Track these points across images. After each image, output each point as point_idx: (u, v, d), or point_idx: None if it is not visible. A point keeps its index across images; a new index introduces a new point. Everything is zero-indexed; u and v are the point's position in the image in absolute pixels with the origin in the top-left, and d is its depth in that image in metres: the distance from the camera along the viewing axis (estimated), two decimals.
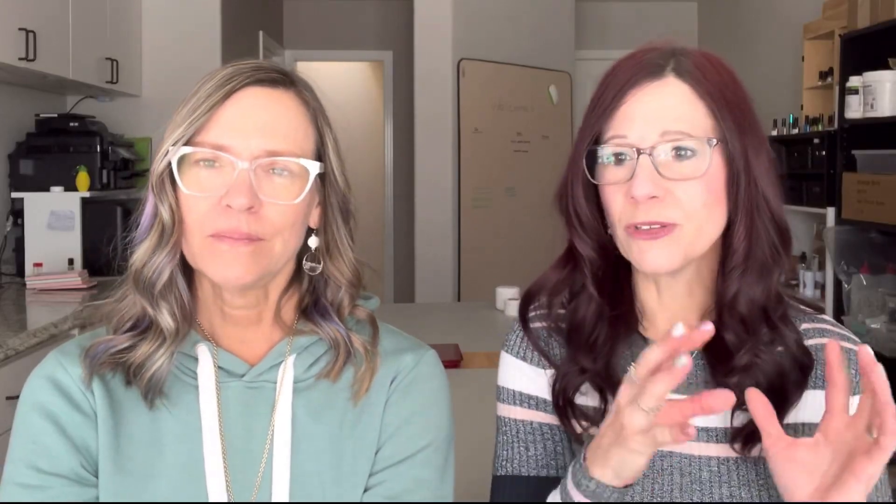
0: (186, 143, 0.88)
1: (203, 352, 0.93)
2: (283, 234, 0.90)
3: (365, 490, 0.93)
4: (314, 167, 0.92)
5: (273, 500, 0.90)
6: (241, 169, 0.87)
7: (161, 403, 0.91)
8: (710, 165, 0.90)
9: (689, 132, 0.90)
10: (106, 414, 0.91)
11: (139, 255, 0.90)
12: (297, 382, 0.94)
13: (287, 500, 0.90)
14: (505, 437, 1.03)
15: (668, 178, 0.90)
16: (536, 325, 1.04)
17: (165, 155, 0.89)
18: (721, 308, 0.95)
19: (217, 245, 0.88)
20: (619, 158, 0.92)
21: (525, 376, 1.03)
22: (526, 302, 1.05)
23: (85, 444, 0.90)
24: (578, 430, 0.98)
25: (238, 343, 0.95)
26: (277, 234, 0.89)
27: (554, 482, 0.98)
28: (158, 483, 0.89)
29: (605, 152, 0.93)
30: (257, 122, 0.89)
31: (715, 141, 0.91)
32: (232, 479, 0.90)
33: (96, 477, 0.91)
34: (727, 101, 0.93)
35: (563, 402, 0.98)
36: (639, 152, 0.90)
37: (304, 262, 0.95)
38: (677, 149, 0.90)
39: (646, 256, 0.91)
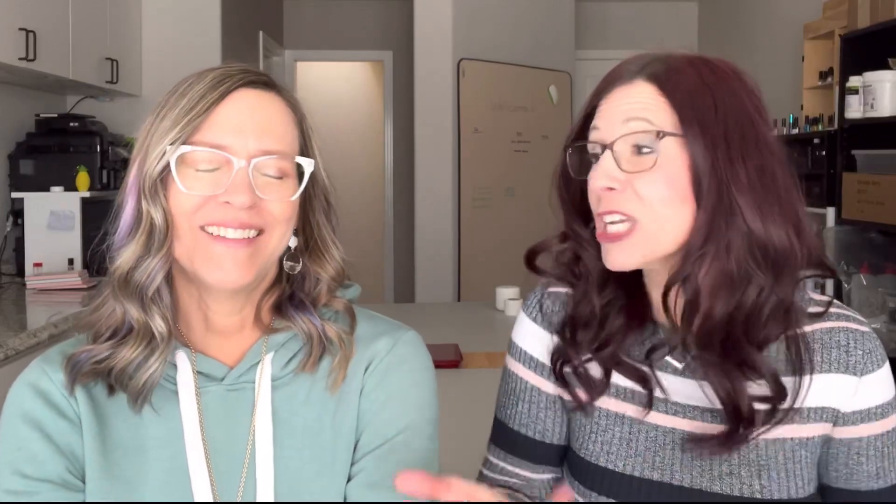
0: (183, 143, 0.88)
1: (182, 358, 0.93)
2: (281, 226, 0.91)
3: (348, 480, 0.93)
4: (309, 165, 0.93)
5: (258, 499, 0.90)
6: (239, 168, 0.88)
7: (144, 409, 0.92)
8: (659, 157, 0.91)
9: (651, 120, 0.92)
10: (90, 420, 0.92)
11: (125, 259, 0.89)
12: (276, 380, 0.94)
13: (272, 497, 0.90)
14: (506, 387, 1.11)
15: (626, 171, 0.92)
16: (558, 288, 1.08)
17: (162, 156, 0.88)
18: (712, 319, 0.93)
19: (212, 246, 0.88)
20: (595, 156, 0.96)
21: (533, 338, 1.08)
22: (531, 255, 1.08)
23: (70, 449, 0.91)
24: (579, 393, 1.02)
25: (217, 346, 0.96)
26: (277, 225, 0.91)
27: (530, 442, 1.07)
28: (145, 488, 0.90)
29: (584, 150, 0.98)
30: (253, 122, 0.90)
31: (663, 133, 0.91)
32: (217, 481, 0.91)
33: (82, 482, 0.91)
34: (696, 101, 0.92)
35: (561, 367, 1.04)
36: (603, 148, 0.94)
37: (284, 261, 0.96)
38: (636, 143, 0.92)
39: (608, 256, 0.95)
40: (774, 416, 0.94)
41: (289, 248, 0.95)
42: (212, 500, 0.90)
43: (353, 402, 0.95)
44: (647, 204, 0.91)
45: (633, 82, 0.95)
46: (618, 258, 0.94)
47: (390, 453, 0.93)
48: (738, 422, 0.93)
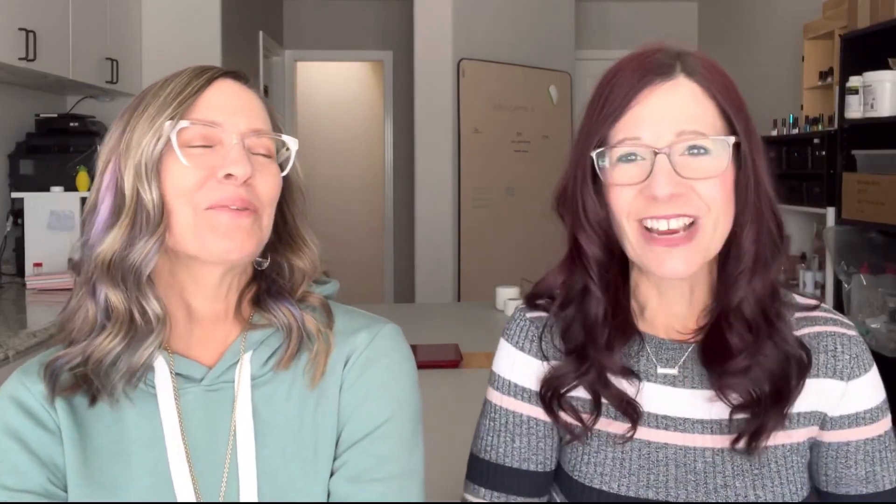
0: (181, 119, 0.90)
1: (159, 361, 0.93)
2: (269, 208, 0.94)
3: (331, 474, 0.93)
4: (294, 143, 0.97)
5: (241, 498, 0.90)
6: (235, 142, 0.90)
7: (125, 413, 0.92)
8: (728, 163, 0.92)
9: (703, 131, 0.91)
10: (71, 428, 0.92)
11: (108, 244, 0.89)
12: (255, 379, 0.94)
13: (255, 496, 0.90)
14: (492, 424, 1.05)
15: (686, 177, 0.90)
16: (539, 313, 1.06)
17: (158, 138, 0.88)
18: (727, 311, 0.95)
19: (217, 216, 0.89)
20: (629, 158, 0.93)
21: (521, 367, 1.04)
22: (530, 300, 1.07)
23: (52, 459, 0.91)
24: (571, 421, 1.00)
25: (197, 342, 0.96)
26: (267, 205, 0.93)
27: (533, 476, 1.02)
28: (127, 493, 0.90)
29: (618, 153, 0.93)
30: (239, 105, 0.94)
31: (733, 139, 0.92)
32: (199, 482, 0.91)
33: (65, 491, 0.91)
34: (735, 102, 0.94)
35: (551, 396, 1.00)
36: (655, 153, 0.90)
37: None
38: (693, 147, 0.91)
39: (664, 263, 0.92)
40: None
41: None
42: (195, 502, 0.90)
43: (333, 397, 0.95)
44: (709, 205, 0.91)
45: (675, 79, 0.93)
46: (678, 264, 0.92)
47: (371, 446, 0.93)
48: (773, 407, 0.93)
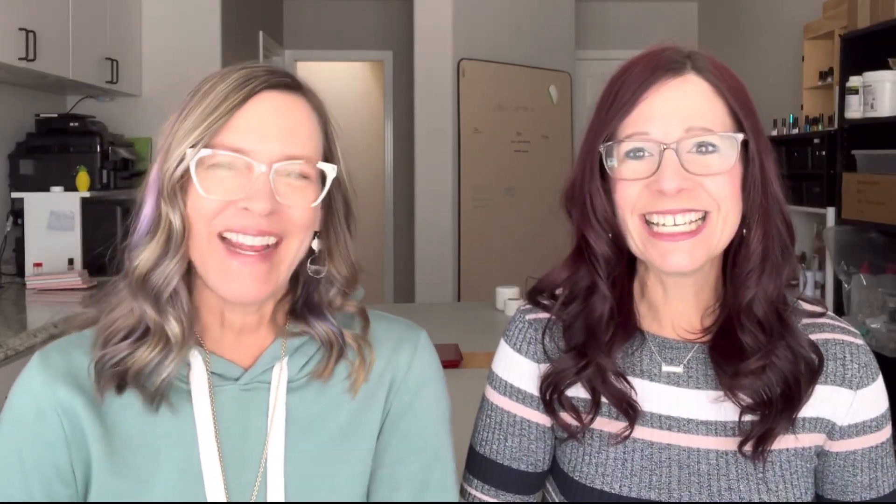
0: (204, 146, 0.87)
1: (195, 358, 0.92)
2: (300, 234, 0.90)
3: (377, 488, 0.94)
4: (331, 170, 0.92)
5: (269, 500, 0.90)
6: (260, 173, 0.86)
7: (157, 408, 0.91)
8: (736, 161, 0.92)
9: (712, 128, 0.91)
10: (94, 425, 0.90)
11: (143, 260, 0.88)
12: (291, 382, 0.94)
13: (283, 499, 0.90)
14: (487, 420, 1.07)
15: (693, 173, 0.90)
16: (539, 314, 1.06)
17: (182, 159, 0.86)
18: (738, 311, 0.95)
19: (228, 261, 0.87)
20: (637, 154, 0.93)
21: (518, 369, 1.05)
22: (533, 295, 1.07)
23: (51, 472, 0.89)
24: (570, 421, 1.00)
25: (231, 345, 0.95)
26: (297, 232, 0.90)
27: (523, 475, 1.04)
28: (155, 488, 0.89)
29: (626, 148, 0.93)
30: (275, 127, 0.89)
31: (742, 136, 0.92)
32: (229, 481, 0.90)
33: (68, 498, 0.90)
34: (744, 102, 0.94)
35: (550, 395, 1.00)
36: (663, 148, 0.90)
37: (308, 264, 0.95)
38: (701, 144, 0.91)
39: (668, 258, 0.92)
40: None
41: (312, 250, 0.94)
42: (224, 501, 0.89)
43: (375, 408, 0.96)
44: (717, 201, 0.92)
45: (685, 75, 0.93)
46: (682, 261, 0.92)
47: (427, 468, 0.95)
48: (786, 405, 0.93)
